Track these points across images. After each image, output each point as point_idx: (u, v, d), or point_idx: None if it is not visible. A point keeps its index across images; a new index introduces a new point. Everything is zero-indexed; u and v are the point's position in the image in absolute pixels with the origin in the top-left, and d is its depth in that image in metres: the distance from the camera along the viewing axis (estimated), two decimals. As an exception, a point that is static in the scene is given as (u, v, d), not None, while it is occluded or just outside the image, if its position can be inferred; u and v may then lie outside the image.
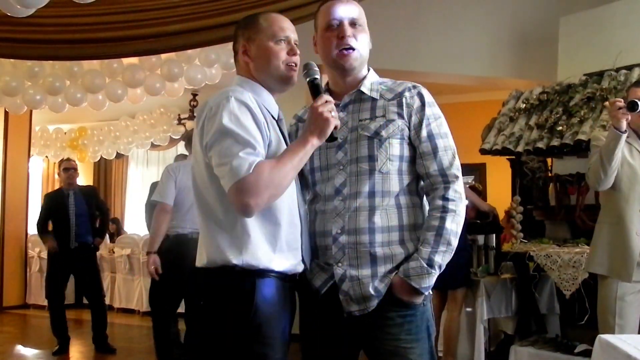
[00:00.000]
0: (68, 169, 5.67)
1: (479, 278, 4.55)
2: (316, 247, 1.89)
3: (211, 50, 5.75)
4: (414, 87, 1.91)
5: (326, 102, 1.74)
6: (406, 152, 1.87)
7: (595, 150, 3.14)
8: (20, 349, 5.89)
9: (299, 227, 1.82)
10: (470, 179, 7.93)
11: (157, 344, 4.46)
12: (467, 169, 7.80)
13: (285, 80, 1.86)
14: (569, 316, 4.20)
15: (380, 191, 1.83)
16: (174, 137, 9.08)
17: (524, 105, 4.56)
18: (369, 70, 1.97)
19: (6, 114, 7.84)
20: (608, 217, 3.15)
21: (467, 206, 4.89)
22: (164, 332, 4.42)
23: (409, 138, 1.87)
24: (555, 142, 4.11)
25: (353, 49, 1.87)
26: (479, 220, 5.13)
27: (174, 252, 4.12)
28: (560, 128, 4.15)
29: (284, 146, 1.80)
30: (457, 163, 1.88)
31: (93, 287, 5.60)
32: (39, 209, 5.98)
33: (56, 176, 10.35)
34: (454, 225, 1.83)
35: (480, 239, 5.11)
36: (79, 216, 5.53)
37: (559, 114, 4.26)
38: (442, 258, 1.80)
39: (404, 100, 1.87)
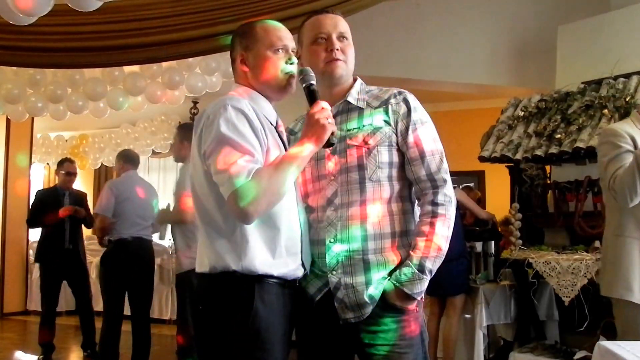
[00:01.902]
0: (70, 173, 5.68)
1: (478, 285, 4.57)
2: (311, 255, 1.91)
3: (212, 59, 5.78)
4: (400, 93, 1.93)
5: (322, 108, 1.76)
6: (395, 159, 1.89)
7: (616, 151, 2.60)
8: (21, 355, 5.89)
9: (299, 232, 1.83)
10: (471, 185, 7.93)
11: (102, 346, 4.78)
12: (466, 176, 7.86)
13: (284, 89, 1.87)
14: (568, 323, 4.20)
15: (371, 199, 1.85)
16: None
17: (523, 113, 4.58)
18: (355, 80, 1.99)
19: (8, 121, 7.87)
20: (636, 232, 2.62)
21: (465, 213, 4.84)
22: (112, 333, 4.72)
23: (397, 144, 1.89)
24: (554, 150, 4.13)
25: (340, 60, 1.90)
26: (478, 227, 5.14)
27: (117, 254, 4.76)
28: (558, 136, 4.17)
29: (283, 152, 1.81)
30: (446, 167, 1.89)
31: (83, 293, 5.60)
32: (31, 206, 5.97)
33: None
34: (444, 229, 1.84)
35: (479, 245, 5.12)
36: (73, 217, 5.52)
37: (558, 122, 4.28)
38: (433, 263, 1.81)
39: (389, 107, 1.90)
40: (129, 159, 5.10)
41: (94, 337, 5.52)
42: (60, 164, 5.81)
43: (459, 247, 4.45)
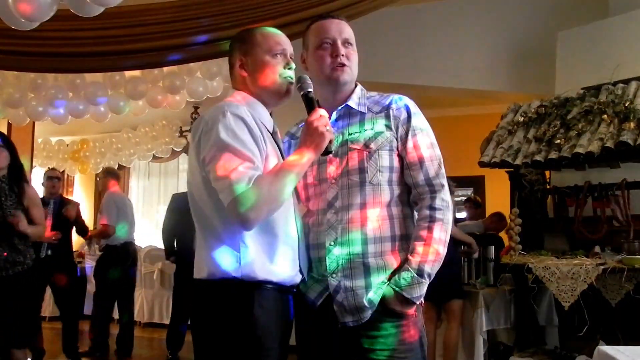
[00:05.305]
0: (51, 177, 5.70)
1: (478, 289, 4.56)
2: (311, 260, 1.91)
3: (213, 63, 5.79)
4: (400, 99, 1.96)
5: (321, 116, 1.78)
6: (395, 163, 1.90)
7: None
8: None
9: (296, 239, 1.84)
10: (469, 192, 7.94)
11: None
12: (466, 182, 7.86)
13: (282, 94, 1.88)
14: (568, 328, 4.21)
15: (371, 202, 1.86)
16: (175, 149, 9.12)
17: (523, 118, 4.59)
18: (356, 85, 2.01)
19: (9, 125, 7.86)
20: None
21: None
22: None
23: (397, 149, 1.91)
24: (554, 155, 4.14)
25: (345, 66, 1.91)
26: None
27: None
28: (558, 141, 4.18)
29: (281, 159, 1.82)
30: (443, 172, 1.91)
31: (68, 301, 5.44)
32: None
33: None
34: (442, 234, 1.85)
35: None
36: (53, 225, 5.33)
37: (557, 127, 4.29)
38: (432, 267, 1.82)
39: (390, 112, 1.92)
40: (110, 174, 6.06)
41: (76, 343, 5.47)
42: (44, 174, 5.87)
43: (451, 252, 4.43)
